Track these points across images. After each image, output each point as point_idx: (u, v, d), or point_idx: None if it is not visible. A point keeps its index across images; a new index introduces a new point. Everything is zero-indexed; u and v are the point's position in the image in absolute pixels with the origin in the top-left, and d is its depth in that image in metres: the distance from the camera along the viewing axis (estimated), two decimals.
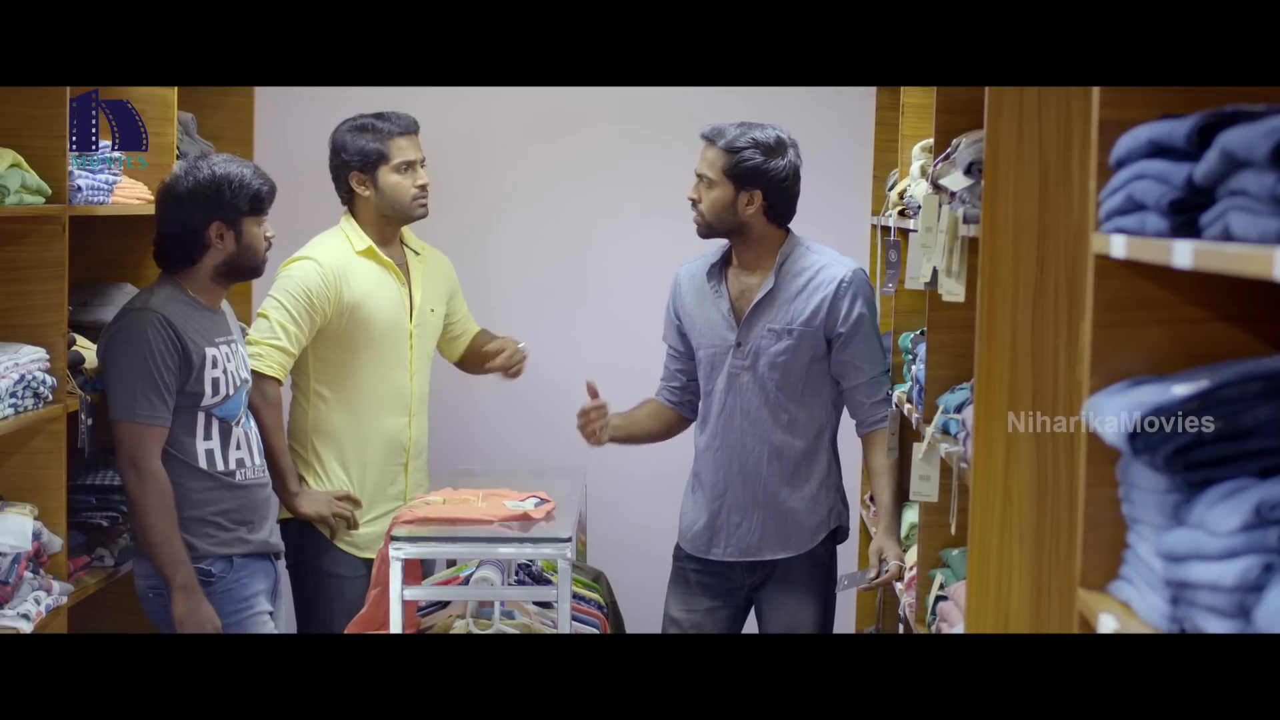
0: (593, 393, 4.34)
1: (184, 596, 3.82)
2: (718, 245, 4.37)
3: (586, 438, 4.36)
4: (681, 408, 4.48)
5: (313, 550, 4.45)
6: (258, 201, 3.98)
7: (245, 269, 4.04)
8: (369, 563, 4.47)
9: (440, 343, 4.87)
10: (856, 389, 4.29)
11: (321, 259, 4.50)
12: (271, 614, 4.05)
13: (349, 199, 4.61)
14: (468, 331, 4.94)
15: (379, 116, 4.58)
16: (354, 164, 4.55)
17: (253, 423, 4.09)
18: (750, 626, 4.53)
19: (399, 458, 4.60)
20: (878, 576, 4.27)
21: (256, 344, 4.33)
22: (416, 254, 4.71)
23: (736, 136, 4.18)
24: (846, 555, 5.96)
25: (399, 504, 4.52)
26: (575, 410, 4.38)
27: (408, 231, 4.74)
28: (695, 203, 4.24)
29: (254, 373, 4.21)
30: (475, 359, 4.94)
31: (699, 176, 4.23)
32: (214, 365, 3.91)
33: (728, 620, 4.38)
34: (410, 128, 4.60)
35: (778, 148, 4.20)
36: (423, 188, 4.59)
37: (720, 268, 4.32)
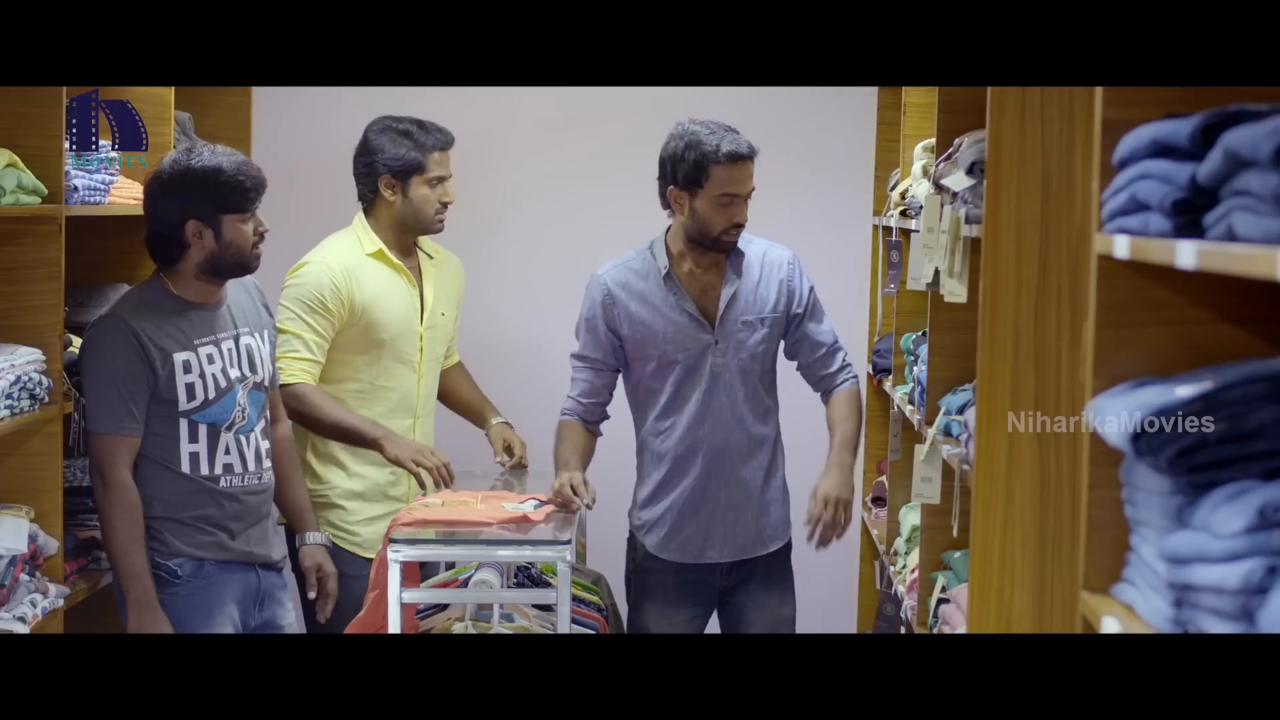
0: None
1: (137, 612, 3.73)
2: (632, 250, 4.29)
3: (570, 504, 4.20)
4: (595, 426, 4.39)
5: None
6: (237, 198, 3.80)
7: (230, 267, 3.87)
8: (372, 562, 4.46)
9: None
10: (820, 360, 4.28)
11: (331, 261, 4.48)
12: (267, 628, 4.00)
13: (370, 200, 4.58)
14: (455, 351, 4.92)
15: (420, 126, 4.55)
16: (389, 168, 4.52)
17: (257, 428, 3.98)
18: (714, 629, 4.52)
19: None
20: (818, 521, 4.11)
21: (278, 359, 4.29)
22: (430, 257, 4.69)
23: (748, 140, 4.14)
24: (842, 561, 5.95)
25: (402, 505, 4.50)
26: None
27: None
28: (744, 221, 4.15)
29: (282, 385, 4.23)
30: (444, 394, 4.86)
31: (745, 197, 4.12)
32: (187, 370, 3.80)
33: (701, 626, 4.37)
34: (449, 144, 4.58)
35: None
36: (446, 205, 4.57)
37: (669, 271, 4.23)
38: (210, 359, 3.86)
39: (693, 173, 4.06)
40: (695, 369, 4.22)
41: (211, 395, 3.84)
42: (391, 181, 4.53)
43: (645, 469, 4.35)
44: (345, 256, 4.51)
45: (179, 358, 3.79)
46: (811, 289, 4.29)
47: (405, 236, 4.60)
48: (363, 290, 4.48)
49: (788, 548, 4.38)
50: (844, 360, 4.32)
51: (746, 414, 4.23)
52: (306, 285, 4.43)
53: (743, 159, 4.06)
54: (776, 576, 4.33)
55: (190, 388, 3.81)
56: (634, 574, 4.39)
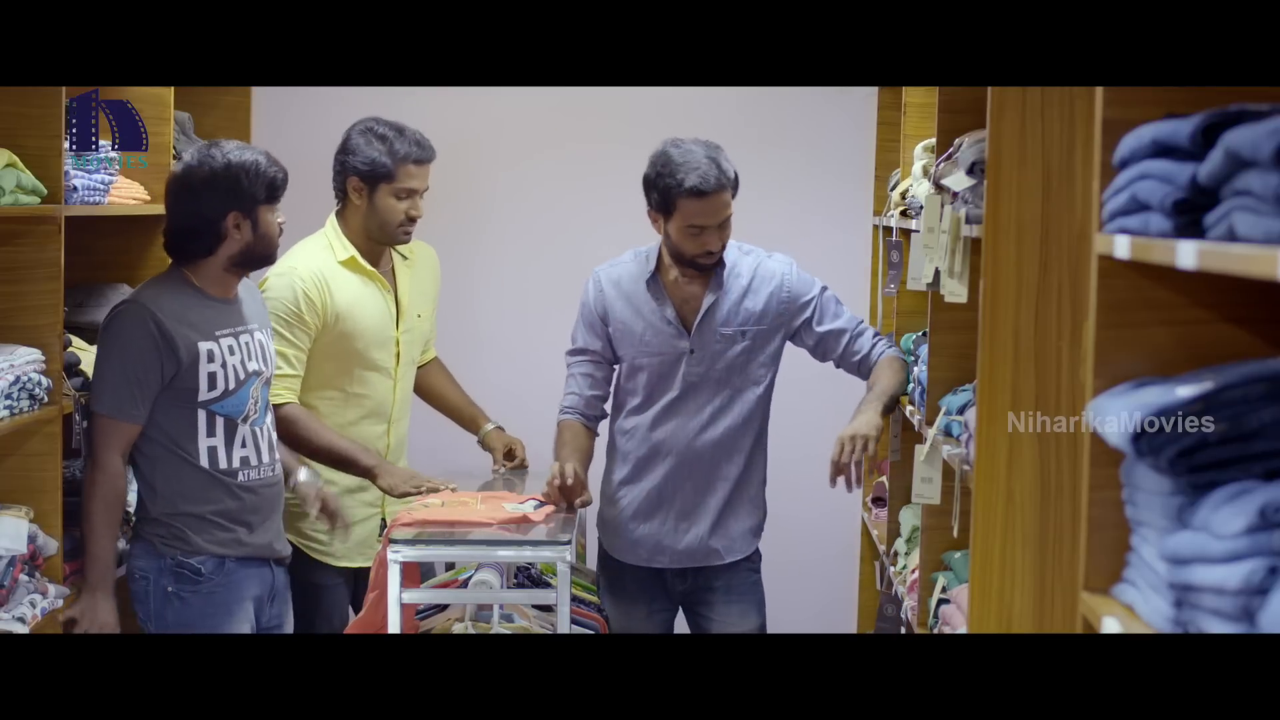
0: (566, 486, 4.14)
1: (89, 595, 3.78)
2: (631, 252, 4.30)
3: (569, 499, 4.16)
4: (594, 423, 4.36)
5: (291, 560, 4.38)
6: (273, 189, 3.92)
7: (260, 258, 3.96)
8: (344, 571, 4.47)
9: None
10: (848, 347, 4.24)
11: (301, 271, 4.37)
12: (273, 622, 4.01)
13: (342, 200, 4.49)
14: (433, 345, 4.85)
15: (399, 133, 4.42)
16: (358, 171, 4.42)
17: (267, 420, 4.02)
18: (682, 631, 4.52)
19: None
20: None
21: None
22: (404, 258, 4.60)
23: (721, 163, 4.03)
24: (842, 562, 5.94)
25: (374, 510, 4.49)
26: None
27: None
28: (720, 248, 4.12)
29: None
30: (424, 393, 4.83)
31: (719, 226, 4.06)
32: (210, 360, 3.84)
33: (664, 623, 4.37)
34: (426, 158, 4.44)
35: (720, 147, 4.12)
36: (413, 219, 4.44)
37: (655, 276, 4.24)
38: (231, 350, 3.90)
39: (662, 200, 4.06)
40: (668, 375, 4.21)
41: (231, 386, 3.88)
42: (359, 184, 4.43)
43: (609, 465, 4.36)
44: (316, 264, 4.41)
45: (203, 346, 3.83)
46: (821, 291, 4.26)
47: (370, 244, 4.48)
48: (335, 300, 4.39)
49: (754, 561, 4.35)
50: (874, 337, 4.28)
51: (718, 425, 4.20)
52: (280, 299, 4.34)
53: (707, 194, 4.00)
54: (738, 590, 4.30)
55: (212, 377, 3.85)
56: (600, 571, 4.42)
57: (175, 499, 3.85)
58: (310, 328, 4.36)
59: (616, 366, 4.32)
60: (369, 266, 4.47)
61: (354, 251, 4.45)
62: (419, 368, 4.76)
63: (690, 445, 4.21)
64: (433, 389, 4.85)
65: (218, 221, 3.86)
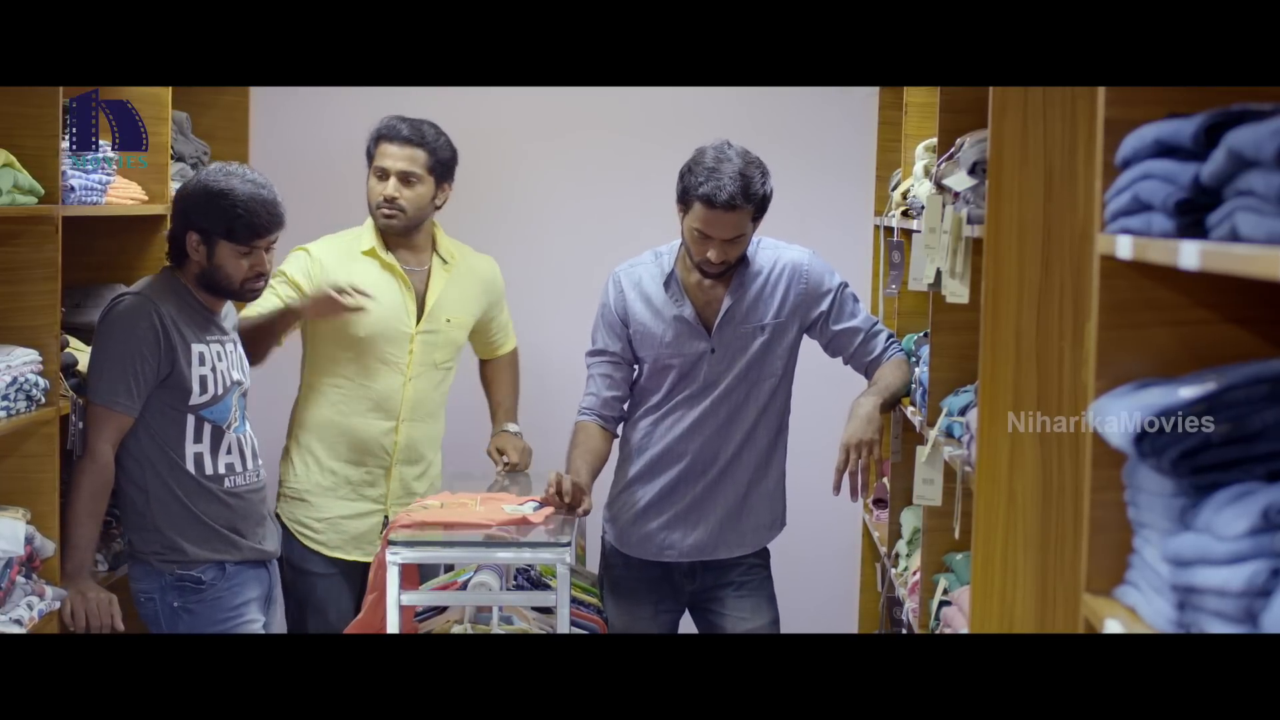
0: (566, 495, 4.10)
1: (69, 588, 3.80)
2: (651, 252, 4.29)
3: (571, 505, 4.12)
4: (612, 424, 4.33)
5: (284, 547, 4.40)
6: (230, 226, 3.88)
7: (221, 289, 3.96)
8: (337, 562, 4.52)
9: (477, 344, 4.88)
10: (861, 348, 4.24)
11: (314, 249, 4.53)
12: (265, 622, 4.03)
13: None
14: (505, 344, 4.93)
15: (391, 118, 4.54)
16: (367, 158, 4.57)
17: (248, 427, 4.06)
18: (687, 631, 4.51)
19: (380, 460, 4.55)
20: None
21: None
22: (445, 262, 4.65)
23: (749, 183, 3.97)
24: (843, 563, 5.94)
25: (378, 507, 4.51)
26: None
27: (443, 237, 4.69)
28: (720, 261, 4.08)
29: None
30: (482, 380, 4.97)
31: (726, 241, 4.02)
32: (201, 362, 3.88)
33: (669, 624, 4.35)
34: (397, 135, 4.49)
35: (764, 167, 4.07)
36: (389, 200, 4.48)
37: (673, 276, 4.23)
38: (219, 356, 3.95)
39: (680, 195, 4.07)
40: (689, 375, 4.20)
41: (219, 391, 3.92)
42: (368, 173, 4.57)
43: (623, 462, 4.34)
44: (333, 247, 4.55)
45: (195, 348, 3.89)
46: (840, 287, 4.24)
47: (385, 232, 4.57)
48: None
49: (764, 557, 4.34)
50: (888, 340, 4.27)
51: (735, 422, 4.19)
52: (285, 265, 4.49)
53: (716, 207, 3.97)
54: (750, 586, 4.29)
55: (203, 380, 3.89)
56: (604, 571, 4.40)
57: (167, 500, 3.89)
58: (297, 292, 4.44)
59: (636, 367, 4.30)
60: (389, 259, 4.54)
61: (375, 244, 4.54)
62: (489, 360, 4.89)
63: (707, 443, 4.20)
64: (485, 377, 4.97)
65: (181, 236, 3.94)
